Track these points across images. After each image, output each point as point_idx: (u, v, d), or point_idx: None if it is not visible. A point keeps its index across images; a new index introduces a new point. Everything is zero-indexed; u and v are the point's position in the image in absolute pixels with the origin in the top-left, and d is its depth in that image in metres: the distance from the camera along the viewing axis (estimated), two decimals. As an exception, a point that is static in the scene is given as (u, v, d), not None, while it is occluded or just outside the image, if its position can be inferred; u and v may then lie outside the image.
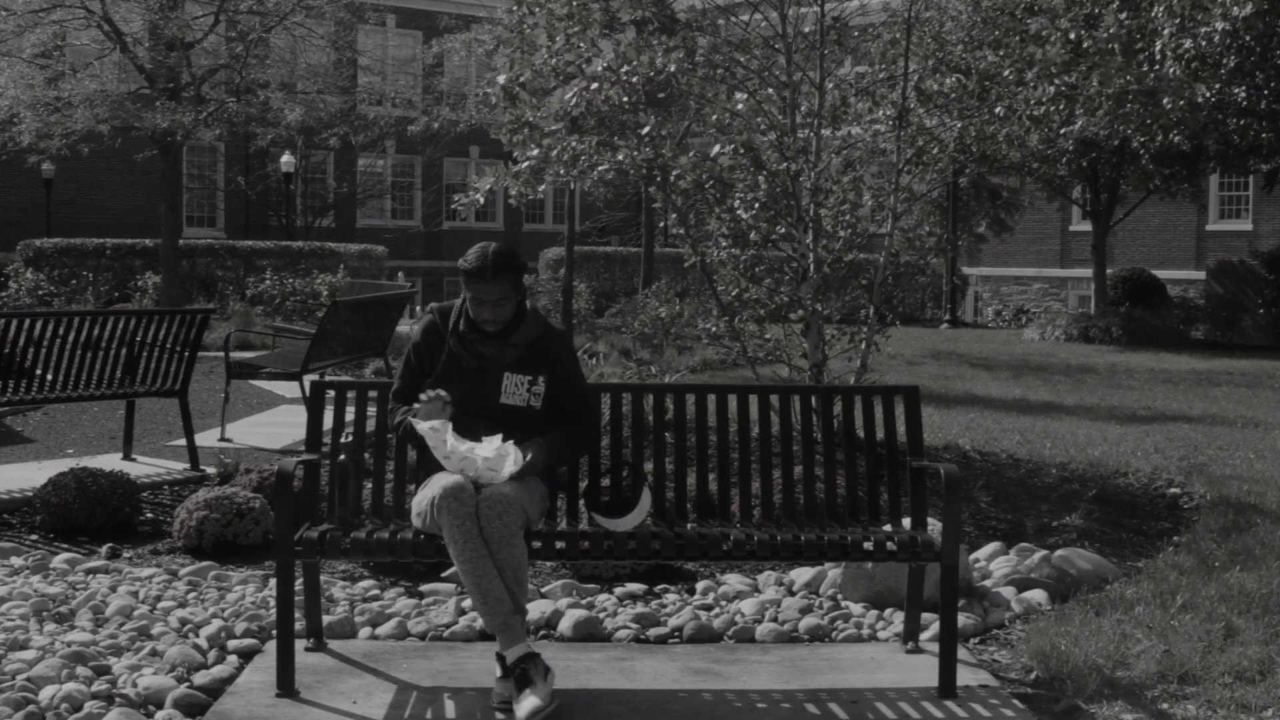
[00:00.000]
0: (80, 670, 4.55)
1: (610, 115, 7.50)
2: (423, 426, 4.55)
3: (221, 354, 10.80)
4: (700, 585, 5.87)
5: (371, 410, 5.41)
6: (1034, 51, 7.72)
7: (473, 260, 4.70)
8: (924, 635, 5.15)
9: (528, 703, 4.23)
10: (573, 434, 4.86)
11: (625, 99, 7.33)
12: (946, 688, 4.53)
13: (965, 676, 4.65)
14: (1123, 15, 8.13)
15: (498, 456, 4.53)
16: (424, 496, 4.56)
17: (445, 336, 4.81)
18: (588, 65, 7.36)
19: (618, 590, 5.74)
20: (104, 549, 6.34)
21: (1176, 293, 29.30)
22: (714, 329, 8.42)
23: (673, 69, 7.26)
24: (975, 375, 16.31)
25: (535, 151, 7.66)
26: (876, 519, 5.10)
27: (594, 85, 7.30)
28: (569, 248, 20.19)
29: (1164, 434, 10.61)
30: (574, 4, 7.57)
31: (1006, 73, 7.98)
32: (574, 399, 4.88)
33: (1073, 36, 7.69)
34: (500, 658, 4.43)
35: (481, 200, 8.08)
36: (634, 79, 7.25)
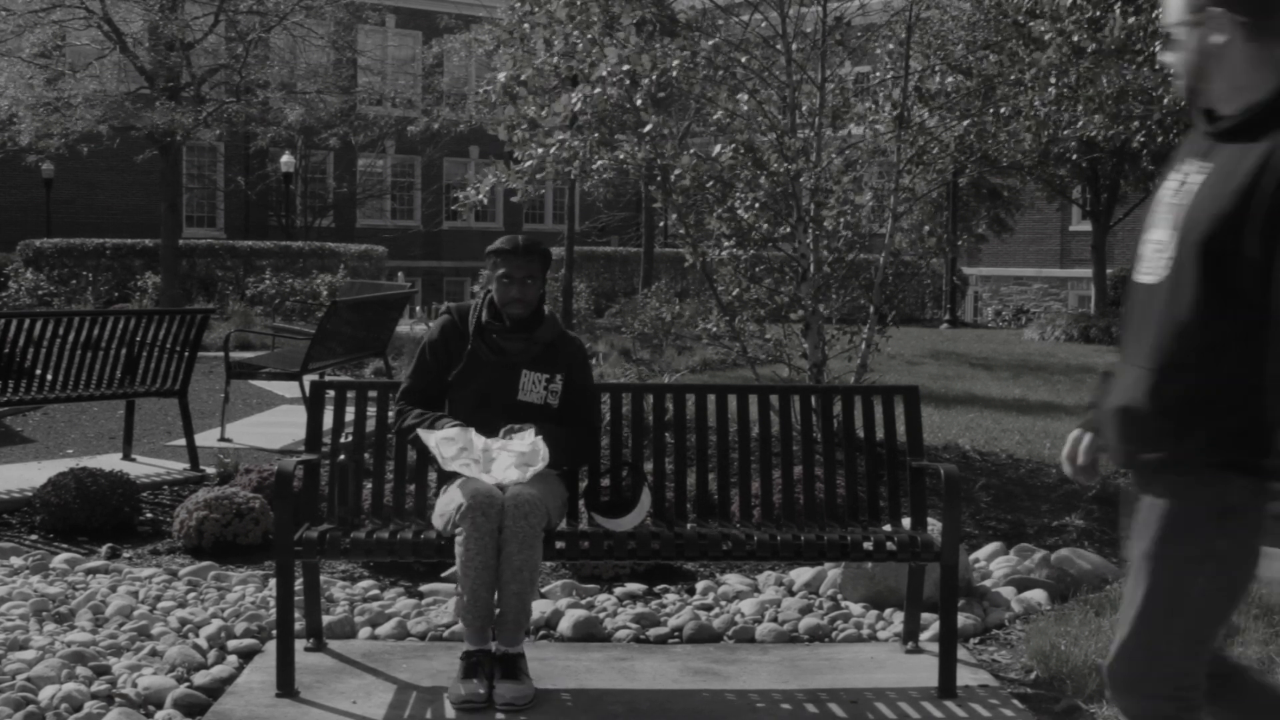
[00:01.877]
0: (80, 670, 4.55)
1: (611, 114, 7.48)
2: (432, 439, 4.54)
3: (221, 354, 10.79)
4: (700, 585, 5.87)
5: (371, 410, 5.41)
6: (1036, 57, 7.72)
7: (504, 240, 4.88)
8: (924, 635, 5.15)
9: (464, 687, 4.36)
10: (577, 434, 4.85)
11: (635, 100, 7.31)
12: (946, 688, 4.53)
13: (965, 676, 4.65)
14: (1129, 12, 8.13)
15: (532, 451, 4.53)
16: (451, 500, 4.51)
17: (465, 334, 4.82)
18: (592, 70, 7.35)
19: (617, 590, 5.73)
20: (104, 549, 6.34)
21: (1176, 293, 29.26)
22: (714, 329, 8.42)
23: (675, 73, 7.25)
24: (975, 375, 16.31)
25: (539, 151, 7.65)
26: (876, 519, 5.09)
27: (597, 90, 7.29)
28: (569, 247, 20.18)
29: (1164, 434, 10.59)
30: (573, 5, 7.56)
31: (1009, 71, 7.98)
32: (581, 410, 4.88)
33: (1075, 39, 7.69)
34: (465, 654, 4.47)
35: (485, 201, 8.08)
36: (643, 81, 7.24)
